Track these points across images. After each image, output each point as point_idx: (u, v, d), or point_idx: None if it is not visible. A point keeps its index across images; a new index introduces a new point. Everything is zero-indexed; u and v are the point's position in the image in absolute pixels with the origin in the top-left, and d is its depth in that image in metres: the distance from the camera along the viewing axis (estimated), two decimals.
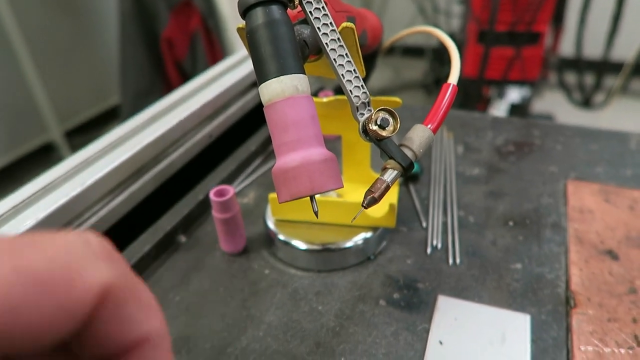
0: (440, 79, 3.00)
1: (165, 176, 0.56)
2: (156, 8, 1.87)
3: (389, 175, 0.33)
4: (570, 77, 2.22)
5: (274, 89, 0.30)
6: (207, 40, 1.96)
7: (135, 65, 1.99)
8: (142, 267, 0.47)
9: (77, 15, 2.55)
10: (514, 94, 2.20)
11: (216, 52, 1.99)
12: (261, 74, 0.31)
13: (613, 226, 0.49)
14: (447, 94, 0.36)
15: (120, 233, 0.51)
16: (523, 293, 0.42)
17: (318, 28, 0.33)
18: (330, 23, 0.33)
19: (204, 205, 0.54)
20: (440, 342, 0.38)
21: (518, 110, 2.22)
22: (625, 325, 0.39)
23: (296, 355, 0.38)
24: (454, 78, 0.38)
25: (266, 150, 0.65)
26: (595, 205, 0.52)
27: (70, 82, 2.59)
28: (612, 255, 0.45)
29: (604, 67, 2.11)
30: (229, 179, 0.58)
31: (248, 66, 0.69)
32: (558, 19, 2.19)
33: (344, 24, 0.35)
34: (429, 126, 0.35)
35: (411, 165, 0.34)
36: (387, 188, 0.33)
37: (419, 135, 0.34)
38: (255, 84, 0.71)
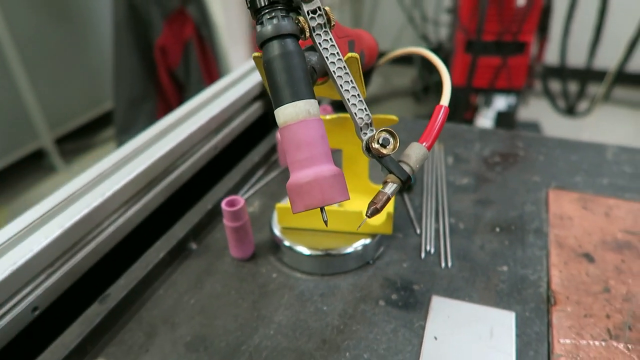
0: (429, 86, 3.06)
1: (175, 187, 0.60)
2: (150, 16, 1.89)
3: (390, 188, 0.38)
4: (555, 85, 2.29)
5: (289, 113, 0.34)
6: (201, 48, 1.99)
7: (129, 73, 2.01)
8: (158, 273, 0.50)
9: (68, 21, 2.56)
10: (501, 102, 2.26)
11: (209, 60, 2.02)
12: (277, 99, 0.35)
13: (590, 231, 0.53)
14: (440, 114, 0.40)
15: (135, 241, 0.54)
16: (509, 293, 0.47)
17: (326, 57, 0.37)
18: (337, 53, 0.38)
19: (213, 214, 0.58)
20: (435, 338, 0.42)
21: (504, 118, 2.29)
22: (599, 321, 0.43)
23: (305, 352, 0.42)
24: (445, 100, 0.42)
25: (268, 161, 0.69)
26: (574, 212, 0.56)
27: (61, 89, 2.60)
28: (589, 258, 0.50)
29: (587, 75, 2.19)
30: (235, 189, 0.62)
31: (250, 81, 0.73)
32: (543, 29, 2.26)
33: (349, 54, 0.39)
34: (424, 144, 0.39)
35: (409, 179, 0.38)
36: (388, 199, 0.37)
37: (415, 152, 0.39)
38: (255, 99, 0.75)
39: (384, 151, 0.37)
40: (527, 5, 1.99)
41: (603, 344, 0.41)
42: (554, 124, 2.58)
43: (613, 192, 0.59)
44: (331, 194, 0.34)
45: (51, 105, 2.48)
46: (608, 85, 2.13)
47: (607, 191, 0.60)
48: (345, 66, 0.38)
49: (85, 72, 2.75)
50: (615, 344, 0.41)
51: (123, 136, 2.07)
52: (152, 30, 1.92)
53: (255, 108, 0.75)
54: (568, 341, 0.41)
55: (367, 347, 0.42)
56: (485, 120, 2.28)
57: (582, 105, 2.26)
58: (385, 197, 0.37)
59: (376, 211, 0.37)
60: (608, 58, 2.20)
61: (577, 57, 2.26)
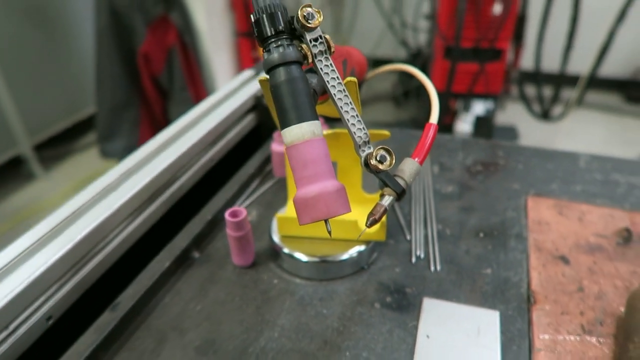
0: (409, 91, 3.12)
1: (176, 198, 0.62)
2: (133, 23, 1.89)
3: (386, 200, 0.41)
4: (531, 90, 2.38)
5: (295, 134, 0.38)
6: (184, 55, 2.00)
7: (111, 80, 2.01)
8: (163, 282, 0.53)
9: (47, 27, 2.54)
10: (479, 107, 2.33)
11: (192, 67, 2.03)
12: (284, 121, 0.38)
13: (565, 235, 0.58)
14: (430, 133, 0.44)
15: (138, 252, 0.57)
16: (493, 294, 0.51)
17: (327, 81, 0.41)
18: (337, 77, 0.41)
19: (213, 224, 0.61)
20: (428, 336, 0.46)
21: (483, 122, 2.36)
22: (574, 318, 0.47)
23: (308, 352, 0.45)
24: (434, 118, 0.46)
25: (263, 171, 0.72)
26: (550, 218, 0.61)
27: (40, 95, 2.57)
28: (565, 260, 0.55)
29: (561, 80, 2.27)
30: (233, 199, 0.65)
31: (244, 94, 0.76)
32: (518, 37, 2.35)
33: (348, 79, 0.42)
34: (416, 159, 0.43)
35: (404, 192, 0.42)
36: (385, 211, 0.41)
37: (409, 167, 0.42)
38: (249, 111, 0.78)
39: (381, 167, 0.40)
40: (502, 14, 2.07)
41: (578, 338, 0.45)
42: (530, 128, 2.67)
43: (585, 199, 0.64)
44: (335, 207, 0.37)
45: (30, 111, 2.45)
46: (581, 90, 2.22)
47: (580, 197, 0.65)
48: (345, 89, 0.41)
49: (64, 77, 2.72)
50: (588, 338, 0.45)
51: (106, 143, 2.06)
52: (135, 37, 1.92)
53: (249, 120, 0.77)
54: (547, 337, 0.45)
55: (365, 347, 0.45)
56: (464, 124, 2.35)
57: (557, 109, 2.35)
58: (382, 209, 0.41)
59: (375, 222, 0.41)
60: (580, 63, 2.28)
61: (551, 63, 2.35)
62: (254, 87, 0.79)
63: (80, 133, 2.88)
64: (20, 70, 2.38)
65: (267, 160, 0.73)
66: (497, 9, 2.07)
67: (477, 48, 2.18)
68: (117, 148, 2.07)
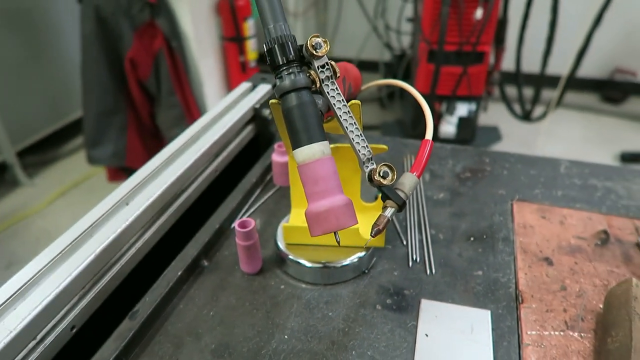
0: (393, 92, 3.18)
1: (183, 209, 0.65)
2: (120, 29, 1.90)
3: (389, 212, 0.45)
4: (512, 91, 2.45)
5: (306, 153, 0.41)
6: (171, 60, 2.00)
7: (98, 86, 2.01)
8: (177, 289, 0.56)
9: (29, 32, 2.52)
10: (462, 109, 2.40)
11: (179, 71, 2.05)
12: (296, 142, 0.42)
13: (548, 238, 0.63)
14: (427, 149, 0.48)
15: (151, 261, 0.60)
16: (484, 294, 0.55)
17: (333, 104, 0.45)
18: (342, 99, 0.45)
19: (220, 233, 0.64)
20: (426, 335, 0.50)
21: (466, 123, 2.43)
22: (558, 314, 0.52)
23: (317, 352, 0.49)
24: (429, 134, 0.50)
25: (264, 180, 0.75)
26: (534, 222, 0.66)
27: (23, 101, 2.56)
28: (548, 261, 0.59)
29: (541, 81, 2.35)
30: (238, 208, 0.68)
31: (244, 107, 0.79)
32: (499, 40, 2.42)
33: (352, 102, 0.46)
34: (414, 173, 0.47)
35: (404, 203, 0.46)
36: (388, 221, 0.45)
37: (408, 180, 0.46)
38: (248, 122, 0.82)
39: (384, 182, 0.44)
40: (484, 18, 2.13)
41: (562, 333, 0.50)
42: (512, 128, 2.75)
43: (566, 203, 0.69)
44: (344, 220, 0.41)
45: (13, 118, 2.43)
46: (561, 91, 2.30)
47: (561, 202, 0.70)
48: (349, 110, 0.45)
49: (49, 82, 2.71)
50: (571, 333, 0.50)
51: (93, 149, 2.06)
52: (121, 43, 1.92)
53: (248, 131, 0.81)
54: (534, 332, 0.50)
55: (369, 346, 0.49)
56: (449, 126, 2.41)
57: (538, 109, 2.43)
58: (386, 220, 0.45)
59: (379, 232, 0.45)
60: (559, 65, 2.36)
61: (531, 64, 2.43)
62: (252, 99, 0.82)
63: (65, 139, 2.87)
64: (1, 76, 2.36)
65: (268, 169, 0.77)
66: (479, 13, 2.13)
67: (460, 51, 2.24)
68: (104, 154, 2.07)
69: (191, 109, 2.04)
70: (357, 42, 3.34)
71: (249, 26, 2.10)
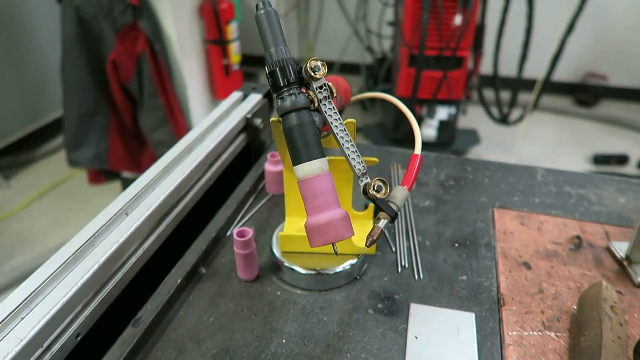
0: None
1: (180, 218, 0.67)
2: (102, 31, 1.88)
3: (382, 223, 0.48)
4: (490, 94, 2.52)
5: (307, 169, 0.44)
6: (153, 62, 2.00)
7: (79, 88, 1.99)
8: (177, 296, 0.58)
9: (4, 31, 2.47)
10: (442, 112, 2.46)
11: (162, 74, 2.04)
12: (297, 159, 0.45)
13: (526, 243, 0.67)
14: (416, 163, 0.52)
15: (150, 269, 0.62)
16: (469, 297, 0.59)
17: (331, 122, 0.48)
18: (339, 118, 0.48)
19: (216, 241, 0.66)
20: (416, 337, 0.53)
21: (446, 126, 2.49)
22: (536, 316, 0.56)
23: (314, 355, 0.52)
24: (418, 149, 0.53)
25: (257, 189, 0.78)
26: (514, 228, 0.70)
27: None
28: (527, 265, 0.63)
29: (518, 84, 2.43)
30: (233, 217, 0.70)
31: (237, 116, 0.82)
32: (478, 46, 2.48)
33: (348, 120, 0.49)
34: (405, 186, 0.51)
35: (396, 215, 0.49)
36: (382, 232, 0.48)
37: (400, 193, 0.50)
38: (240, 132, 0.84)
39: (378, 195, 0.48)
40: (463, 24, 2.19)
41: (539, 333, 0.54)
42: (490, 130, 2.83)
43: (543, 210, 0.74)
44: (342, 231, 0.44)
45: None
46: (536, 95, 2.38)
47: (538, 209, 0.74)
48: (345, 128, 0.48)
49: (25, 83, 2.66)
50: (548, 333, 0.54)
51: (73, 152, 2.04)
52: (103, 45, 1.91)
53: (240, 140, 0.83)
54: (514, 333, 0.54)
55: (363, 349, 0.52)
56: (429, 129, 2.46)
57: (515, 112, 2.50)
58: (379, 231, 0.48)
59: (373, 242, 0.48)
60: (535, 69, 2.44)
61: (508, 68, 2.50)
62: (244, 109, 0.84)
63: (42, 140, 2.82)
64: None
65: (260, 178, 0.79)
66: (458, 19, 2.19)
67: (440, 56, 2.29)
68: (85, 156, 2.05)
69: (174, 112, 2.04)
70: (338, 45, 3.37)
71: (232, 29, 2.11)
